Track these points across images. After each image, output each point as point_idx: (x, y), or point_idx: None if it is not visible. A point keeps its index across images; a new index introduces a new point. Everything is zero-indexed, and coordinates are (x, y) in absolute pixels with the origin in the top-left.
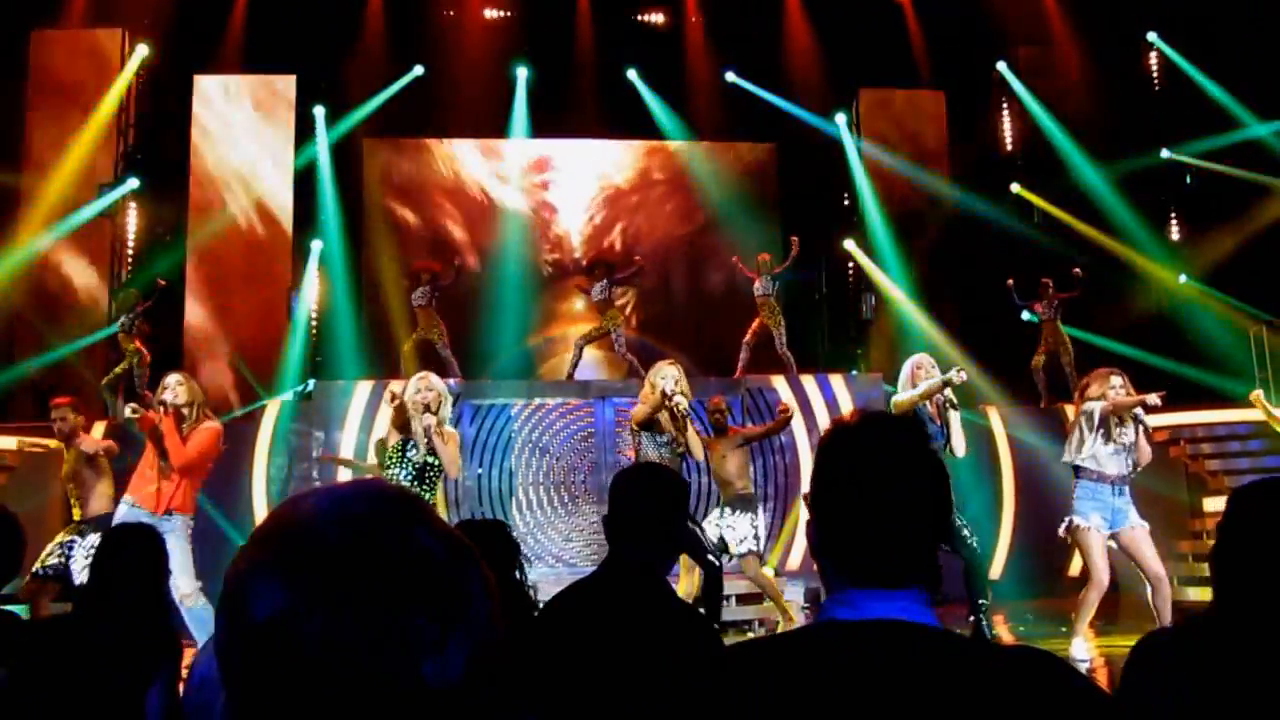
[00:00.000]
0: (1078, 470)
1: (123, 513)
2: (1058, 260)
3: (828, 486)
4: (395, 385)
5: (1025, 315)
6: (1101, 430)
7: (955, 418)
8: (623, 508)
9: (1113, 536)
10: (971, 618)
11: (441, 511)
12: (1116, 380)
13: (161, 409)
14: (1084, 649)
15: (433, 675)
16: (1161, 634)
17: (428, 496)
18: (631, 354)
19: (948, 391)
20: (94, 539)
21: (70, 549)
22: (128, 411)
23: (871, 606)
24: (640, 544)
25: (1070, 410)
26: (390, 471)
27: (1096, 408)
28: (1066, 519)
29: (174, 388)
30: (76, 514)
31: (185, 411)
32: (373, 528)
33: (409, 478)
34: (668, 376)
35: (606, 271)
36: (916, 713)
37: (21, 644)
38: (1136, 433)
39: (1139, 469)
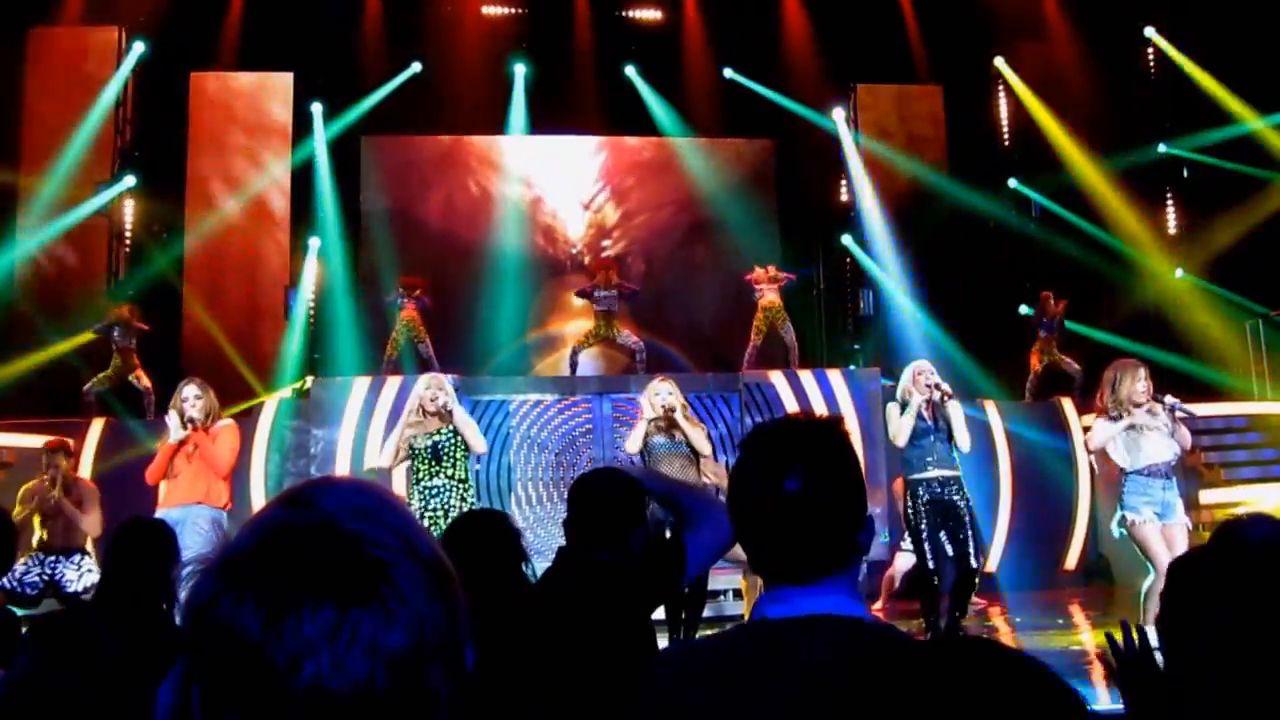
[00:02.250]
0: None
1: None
2: (1055, 256)
3: (743, 486)
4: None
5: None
6: (1131, 431)
7: (956, 410)
8: (577, 511)
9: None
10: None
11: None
12: (1143, 373)
13: (191, 426)
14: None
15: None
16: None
17: (452, 474)
18: (633, 353)
19: (943, 384)
20: (82, 558)
21: (55, 568)
22: (176, 430)
23: (802, 602)
24: (594, 546)
25: (1068, 405)
26: (414, 463)
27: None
28: (1119, 515)
29: (194, 401)
30: (42, 535)
31: (207, 423)
32: (407, 528)
33: (426, 463)
34: (660, 393)
35: (617, 279)
36: (847, 708)
37: (25, 641)
38: (1172, 418)
39: (1184, 453)
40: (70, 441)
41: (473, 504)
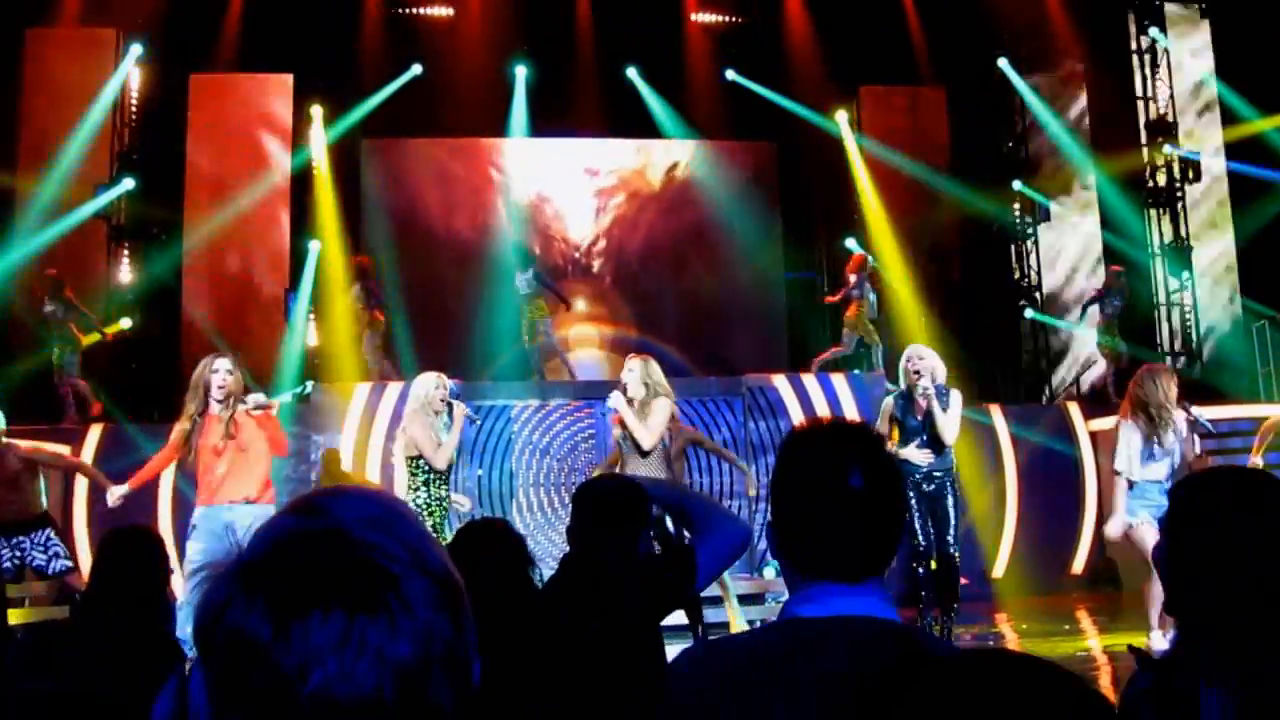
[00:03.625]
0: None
1: (203, 514)
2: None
3: (800, 482)
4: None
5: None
6: (1139, 440)
7: (946, 401)
8: (580, 518)
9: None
10: (943, 620)
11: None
12: (1174, 380)
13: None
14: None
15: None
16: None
17: (446, 492)
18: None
19: (927, 381)
20: (47, 532)
21: (22, 547)
22: (250, 404)
23: (836, 603)
24: (599, 553)
25: (1074, 408)
26: (417, 479)
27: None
28: (1117, 518)
29: (224, 375)
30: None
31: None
32: (422, 541)
33: (436, 473)
34: (632, 369)
35: (530, 261)
36: (879, 711)
37: (18, 649)
38: (1187, 436)
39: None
40: None
41: (465, 515)
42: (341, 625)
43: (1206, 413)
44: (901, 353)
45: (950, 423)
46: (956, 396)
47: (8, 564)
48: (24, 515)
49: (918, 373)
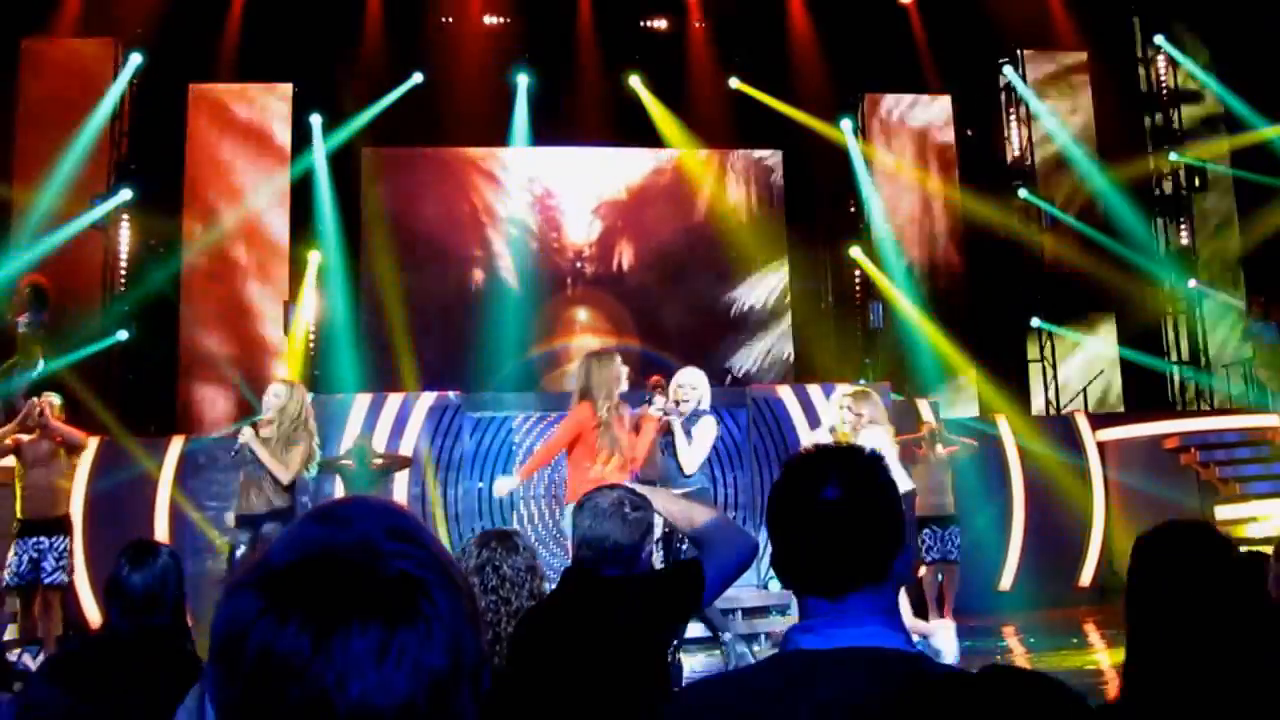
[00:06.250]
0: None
1: None
2: (1066, 265)
3: (782, 499)
4: None
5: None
6: None
7: (691, 428)
8: (584, 530)
9: None
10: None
11: None
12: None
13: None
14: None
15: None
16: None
17: None
18: (639, 367)
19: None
20: (64, 542)
21: (39, 549)
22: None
23: (837, 633)
24: (602, 565)
25: (1081, 420)
26: None
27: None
28: None
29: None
30: (23, 505)
31: None
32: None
33: None
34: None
35: (38, 299)
36: None
37: (44, 672)
38: None
39: None
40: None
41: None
42: (380, 636)
43: (1214, 423)
44: None
45: (689, 453)
46: (705, 423)
47: (24, 567)
48: (48, 515)
49: (685, 400)
